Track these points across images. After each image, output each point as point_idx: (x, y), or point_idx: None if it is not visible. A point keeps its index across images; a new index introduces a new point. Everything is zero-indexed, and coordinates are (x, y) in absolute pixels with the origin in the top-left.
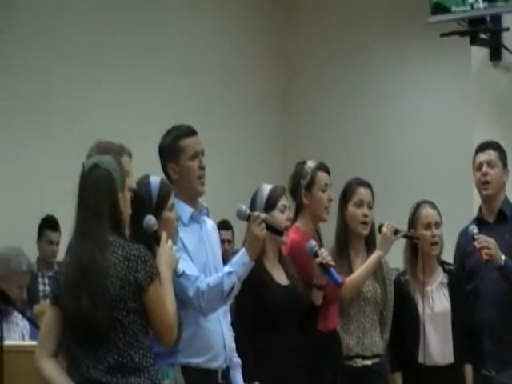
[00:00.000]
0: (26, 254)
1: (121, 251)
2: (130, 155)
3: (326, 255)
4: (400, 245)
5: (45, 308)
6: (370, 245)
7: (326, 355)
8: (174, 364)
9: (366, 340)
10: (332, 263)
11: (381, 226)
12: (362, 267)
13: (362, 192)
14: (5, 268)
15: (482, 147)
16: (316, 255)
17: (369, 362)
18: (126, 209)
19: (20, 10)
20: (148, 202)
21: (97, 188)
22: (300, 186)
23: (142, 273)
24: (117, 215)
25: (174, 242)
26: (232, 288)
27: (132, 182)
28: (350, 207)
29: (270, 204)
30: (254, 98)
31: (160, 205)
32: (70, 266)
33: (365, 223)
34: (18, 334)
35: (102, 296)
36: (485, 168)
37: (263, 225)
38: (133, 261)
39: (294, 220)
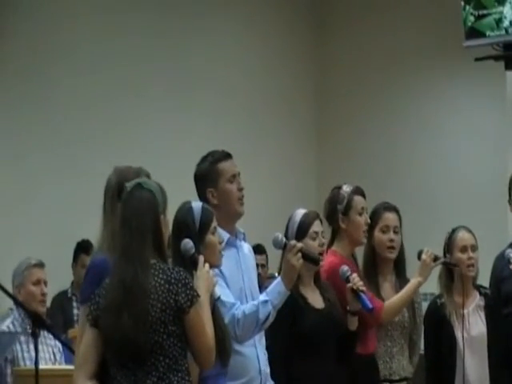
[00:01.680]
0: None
1: (162, 274)
2: (148, 177)
3: (357, 281)
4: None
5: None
6: (399, 269)
7: (365, 379)
8: None
9: (393, 364)
10: (363, 289)
11: (420, 253)
12: (402, 292)
13: (388, 217)
14: (19, 273)
15: None
16: (348, 280)
17: None
18: (166, 232)
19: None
20: (192, 226)
21: (140, 209)
22: (337, 210)
23: (183, 296)
24: (159, 237)
25: (219, 265)
26: (267, 317)
27: None
28: (377, 233)
29: (302, 232)
30: (288, 123)
31: (203, 229)
32: (112, 287)
33: (391, 248)
34: (49, 354)
35: (143, 319)
36: None
37: (299, 254)
38: (174, 284)
39: (331, 244)
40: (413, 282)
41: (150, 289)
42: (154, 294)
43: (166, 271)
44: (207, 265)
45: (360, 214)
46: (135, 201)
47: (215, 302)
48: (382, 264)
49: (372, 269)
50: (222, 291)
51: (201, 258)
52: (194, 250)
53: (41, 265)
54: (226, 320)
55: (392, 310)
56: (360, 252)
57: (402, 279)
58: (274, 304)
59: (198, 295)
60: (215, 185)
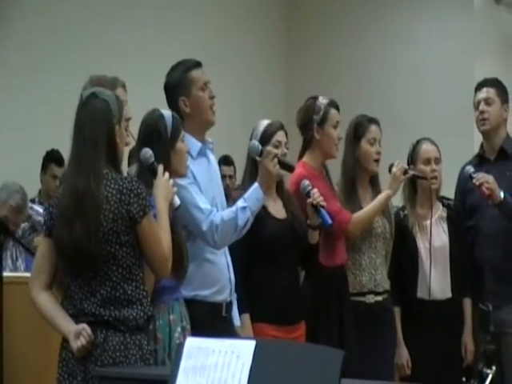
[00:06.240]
0: (22, 193)
1: (113, 184)
2: (124, 86)
3: (317, 196)
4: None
5: None
6: (374, 181)
7: (333, 291)
8: (179, 298)
9: (377, 276)
10: (323, 204)
11: (391, 166)
12: (370, 205)
13: (375, 129)
14: (2, 199)
15: (479, 85)
16: (308, 195)
17: (380, 298)
18: (122, 143)
19: None
20: (164, 133)
21: (93, 118)
22: (312, 120)
23: (135, 206)
24: (113, 147)
25: (185, 174)
26: (246, 223)
27: (128, 112)
28: (364, 144)
29: (264, 140)
30: (257, 37)
31: (174, 136)
32: (65, 195)
33: (377, 160)
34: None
35: (95, 229)
36: (482, 106)
37: (276, 160)
38: (125, 194)
39: (302, 155)
40: (382, 195)
41: (102, 199)
42: (106, 205)
43: (118, 181)
44: (167, 173)
45: (334, 128)
46: (89, 110)
47: (174, 214)
48: (363, 176)
49: (353, 181)
50: (198, 198)
51: (160, 167)
52: (153, 159)
53: (25, 200)
54: (205, 227)
55: (360, 222)
56: (332, 165)
57: (376, 191)
58: (253, 210)
59: (150, 205)
60: (188, 93)
